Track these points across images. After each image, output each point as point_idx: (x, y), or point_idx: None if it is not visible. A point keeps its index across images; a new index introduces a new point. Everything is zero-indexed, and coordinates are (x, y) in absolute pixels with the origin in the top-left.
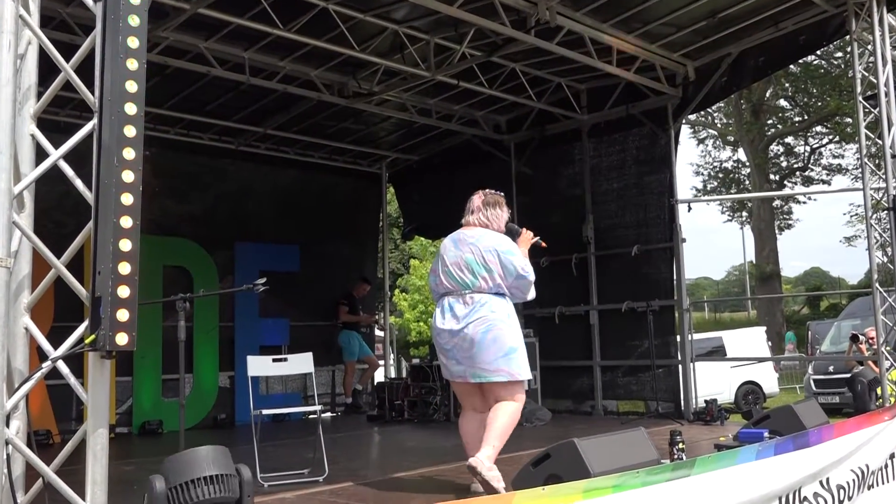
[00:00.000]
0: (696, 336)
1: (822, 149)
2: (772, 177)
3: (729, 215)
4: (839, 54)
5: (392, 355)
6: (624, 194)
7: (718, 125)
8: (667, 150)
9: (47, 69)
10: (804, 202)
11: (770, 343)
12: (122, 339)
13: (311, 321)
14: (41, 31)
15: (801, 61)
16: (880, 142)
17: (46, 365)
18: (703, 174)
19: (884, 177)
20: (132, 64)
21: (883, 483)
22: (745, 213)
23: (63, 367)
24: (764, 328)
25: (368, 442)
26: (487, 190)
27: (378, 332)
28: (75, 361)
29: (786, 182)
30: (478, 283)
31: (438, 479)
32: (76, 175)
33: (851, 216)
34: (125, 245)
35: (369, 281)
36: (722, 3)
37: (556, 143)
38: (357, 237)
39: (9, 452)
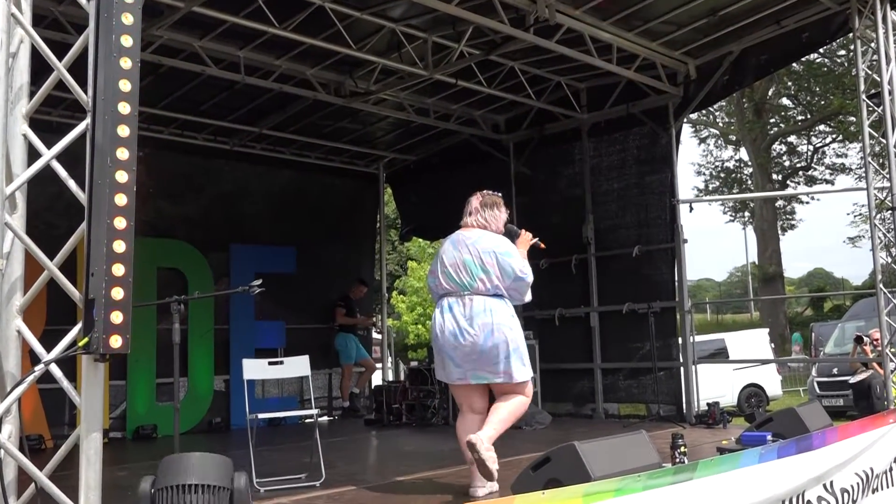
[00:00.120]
0: (699, 338)
1: (826, 148)
2: (774, 176)
3: (731, 215)
4: (842, 52)
5: (390, 358)
6: (624, 194)
7: (720, 124)
8: (668, 149)
9: (39, 68)
10: (807, 202)
11: (773, 345)
12: (115, 341)
13: (308, 324)
14: (33, 29)
15: (803, 59)
16: (884, 141)
17: (39, 368)
18: (704, 174)
19: (888, 176)
20: (126, 63)
21: (887, 486)
22: (747, 214)
23: (56, 371)
24: (767, 330)
25: (366, 446)
26: (486, 191)
27: (375, 335)
28: (68, 365)
29: (788, 182)
30: (476, 284)
31: (437, 482)
32: (69, 176)
33: (855, 216)
34: (119, 246)
35: (366, 283)
36: (723, 1)
37: (556, 142)
38: (354, 238)
39: (0, 457)
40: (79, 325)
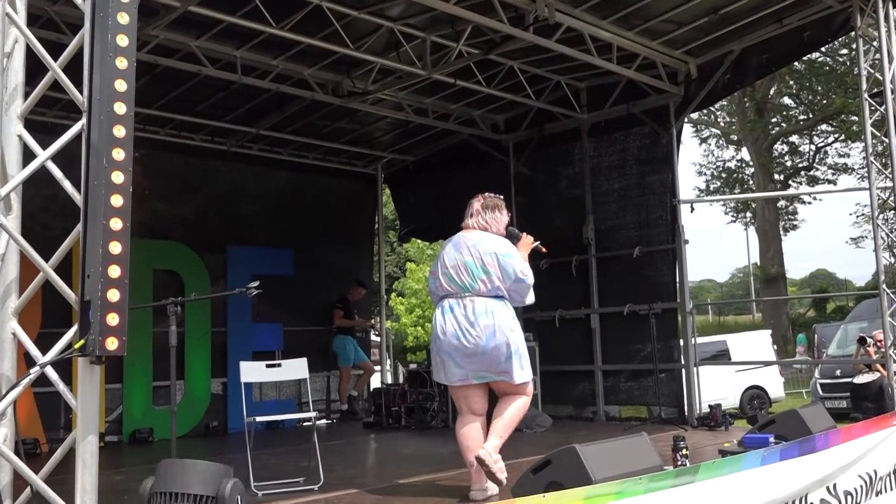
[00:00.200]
0: (700, 340)
1: (828, 147)
2: (776, 176)
3: (732, 216)
4: (844, 51)
5: (388, 361)
6: (625, 195)
7: (721, 124)
8: (669, 149)
9: (34, 69)
10: (809, 202)
11: (775, 346)
12: (112, 344)
13: (306, 326)
14: (28, 29)
15: (805, 58)
16: (886, 140)
17: (34, 371)
18: (705, 174)
19: (890, 176)
20: (121, 62)
21: (891, 489)
22: (749, 214)
23: (51, 373)
24: (769, 331)
25: (365, 449)
26: (487, 193)
27: (374, 337)
28: (64, 368)
29: (790, 182)
30: (477, 286)
31: (437, 486)
32: (64, 177)
33: (858, 216)
34: (115, 248)
35: (365, 284)
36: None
37: (556, 142)
38: (352, 240)
39: None
40: (74, 328)
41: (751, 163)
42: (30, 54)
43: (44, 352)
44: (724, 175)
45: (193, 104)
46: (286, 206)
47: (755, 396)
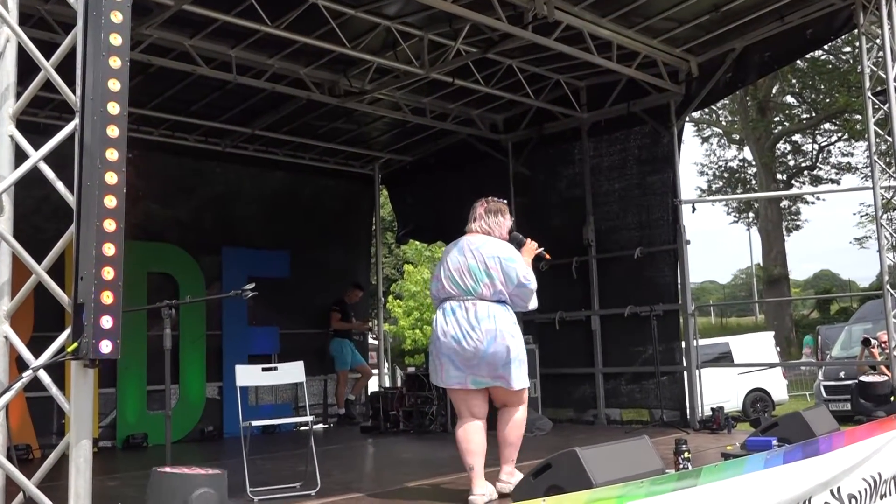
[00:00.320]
0: (702, 342)
1: (831, 147)
2: (779, 176)
3: (735, 216)
4: (847, 49)
5: (386, 364)
6: (626, 195)
7: (723, 123)
8: (670, 148)
9: (26, 68)
10: (813, 202)
11: (779, 348)
12: (105, 346)
13: (302, 329)
14: (19, 28)
15: (808, 56)
16: (890, 139)
17: (27, 374)
18: (707, 174)
19: (894, 175)
20: (115, 62)
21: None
22: (751, 214)
23: (44, 377)
24: (772, 333)
25: (362, 454)
26: (490, 198)
27: (372, 340)
28: (57, 372)
29: (793, 181)
30: (480, 289)
31: (436, 490)
32: (57, 177)
33: (862, 216)
34: (109, 249)
35: (362, 287)
36: None
37: (555, 142)
38: (349, 241)
39: None
40: (67, 331)
41: (753, 162)
42: (21, 54)
43: (36, 355)
44: (726, 175)
45: (188, 104)
46: (282, 207)
47: (758, 399)
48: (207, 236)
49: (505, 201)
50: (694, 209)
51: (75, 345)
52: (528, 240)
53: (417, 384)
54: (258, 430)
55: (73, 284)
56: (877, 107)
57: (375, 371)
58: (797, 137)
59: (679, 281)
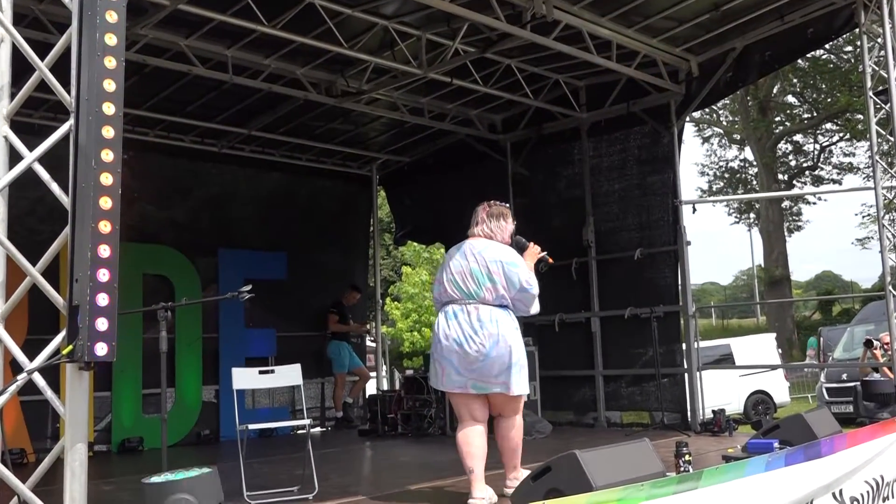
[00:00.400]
0: (703, 343)
1: (833, 147)
2: (780, 176)
3: (736, 217)
4: (849, 48)
5: (384, 367)
6: (625, 196)
7: (724, 123)
8: (670, 149)
9: (20, 69)
10: (814, 203)
11: (780, 350)
12: (101, 349)
13: (300, 331)
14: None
15: (809, 56)
16: (892, 138)
17: (21, 377)
18: (708, 174)
19: None
20: (110, 62)
21: None
22: (752, 215)
23: (39, 380)
24: (774, 335)
25: (360, 457)
26: (493, 201)
27: (369, 343)
28: (52, 375)
29: (795, 182)
30: (482, 293)
31: (435, 494)
32: (52, 179)
33: (864, 217)
34: (104, 251)
35: (360, 289)
36: None
37: (555, 142)
38: (347, 243)
39: None
40: (62, 333)
41: (754, 162)
42: (16, 54)
43: (31, 358)
44: (726, 175)
45: (183, 105)
46: (279, 208)
47: (760, 401)
48: (203, 238)
49: (507, 205)
50: (694, 210)
51: (70, 347)
52: (531, 243)
53: (416, 387)
54: (255, 433)
55: (68, 286)
56: (878, 106)
57: (373, 374)
58: (798, 137)
59: (679, 282)
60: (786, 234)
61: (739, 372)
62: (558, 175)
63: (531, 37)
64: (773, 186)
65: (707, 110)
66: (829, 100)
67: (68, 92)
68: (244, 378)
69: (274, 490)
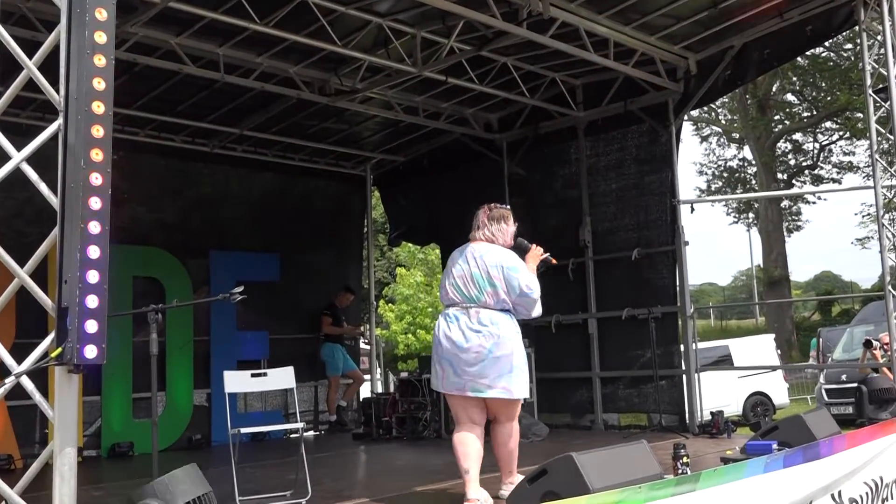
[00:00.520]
0: (701, 345)
1: (832, 145)
2: (779, 175)
3: (735, 217)
4: (849, 46)
5: (379, 369)
6: (623, 195)
7: (722, 121)
8: (668, 147)
9: (7, 67)
10: (814, 202)
11: (779, 351)
12: (90, 351)
13: (292, 334)
14: (1, 26)
15: (808, 53)
16: (892, 137)
17: (10, 381)
18: (706, 173)
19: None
20: (99, 60)
21: None
22: (751, 215)
23: (27, 383)
24: (773, 336)
25: (354, 461)
26: (493, 204)
27: (363, 345)
28: (40, 380)
29: (794, 181)
30: (483, 298)
31: (430, 498)
32: (40, 179)
33: (864, 216)
34: (93, 252)
35: (353, 290)
36: None
37: (551, 141)
38: (340, 244)
39: None
40: (51, 336)
41: (753, 162)
42: (2, 52)
43: (19, 362)
44: (725, 174)
45: (174, 104)
46: (271, 209)
47: (759, 403)
48: (195, 239)
49: (508, 207)
50: (693, 209)
51: (59, 350)
52: (534, 245)
53: (410, 390)
54: (247, 437)
55: (57, 288)
56: (878, 105)
57: (367, 376)
58: (798, 136)
59: (678, 283)
60: (785, 233)
61: (738, 373)
62: (555, 174)
63: (527, 34)
64: (773, 186)
65: (705, 109)
66: (828, 98)
67: (57, 91)
68: (236, 381)
69: (266, 495)
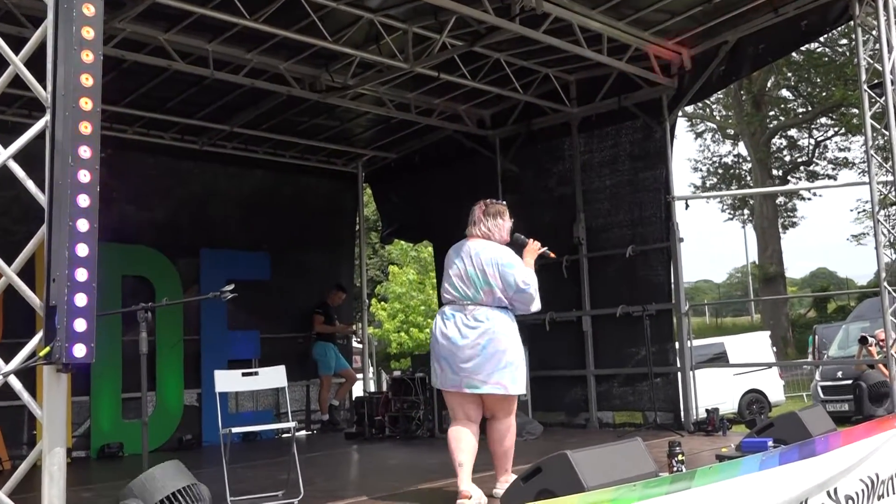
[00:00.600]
0: (697, 342)
1: (828, 141)
2: (774, 172)
3: (730, 213)
4: (844, 41)
5: (371, 368)
6: (617, 192)
7: (717, 118)
8: (662, 143)
9: None
10: (809, 198)
11: (775, 348)
12: (79, 350)
13: (284, 333)
14: None
15: (803, 49)
16: (887, 133)
17: None
18: (701, 170)
19: (891, 170)
20: (87, 56)
21: (893, 493)
22: (746, 211)
23: (15, 383)
24: (768, 333)
25: (347, 461)
26: (489, 200)
27: (356, 344)
28: (28, 380)
29: (789, 177)
30: (480, 296)
31: (424, 497)
32: (27, 176)
33: (859, 212)
34: (82, 250)
35: (345, 289)
36: None
37: (545, 137)
38: (332, 242)
39: None
40: (39, 334)
41: (748, 158)
42: None
43: (6, 362)
44: (720, 171)
45: (163, 101)
46: (262, 207)
47: (754, 400)
48: (184, 238)
49: (504, 203)
50: (687, 206)
51: (47, 349)
52: (531, 240)
53: (403, 388)
54: (238, 437)
55: (45, 286)
56: (873, 100)
57: (360, 375)
58: (793, 132)
59: (672, 280)
60: (780, 230)
61: (733, 371)
62: (548, 171)
63: (520, 30)
64: (768, 182)
65: (700, 105)
66: (823, 94)
67: (44, 87)
68: (227, 381)
69: (258, 495)
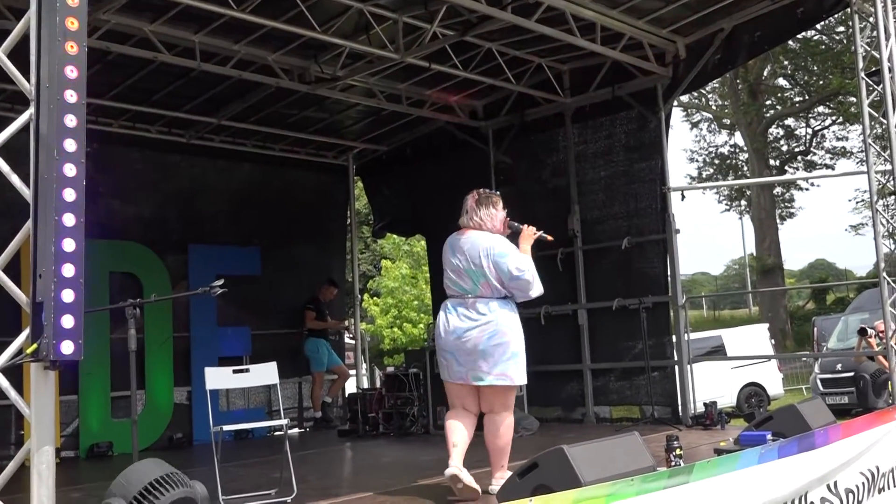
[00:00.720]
0: (694, 335)
1: (825, 130)
2: (772, 162)
3: (727, 204)
4: (841, 28)
5: (364, 364)
6: (612, 183)
7: (713, 107)
8: (657, 134)
9: None
10: (807, 189)
11: (773, 341)
12: (67, 347)
13: (275, 329)
14: None
15: (800, 36)
16: (885, 121)
17: None
18: (697, 161)
19: (889, 159)
20: (72, 48)
21: (894, 486)
22: (743, 202)
23: (2, 381)
24: (766, 325)
25: (340, 458)
26: (481, 189)
27: (348, 340)
28: (15, 378)
29: (787, 167)
30: (479, 289)
31: (418, 494)
32: (11, 171)
33: (858, 202)
34: (68, 245)
35: (337, 284)
36: None
37: (538, 128)
38: (323, 236)
39: None
40: (26, 331)
41: (745, 148)
42: None
43: None
44: (716, 161)
45: (149, 93)
46: (251, 201)
47: (753, 394)
48: (172, 233)
49: (497, 192)
50: (683, 197)
51: (35, 346)
52: (525, 226)
53: (397, 385)
54: (230, 435)
55: (31, 283)
56: (871, 88)
57: (353, 372)
58: (790, 121)
59: (669, 272)
60: (778, 221)
61: (731, 364)
62: (542, 163)
63: (512, 19)
64: (765, 172)
65: (695, 94)
66: (820, 82)
67: (28, 79)
68: (217, 378)
69: (251, 493)
